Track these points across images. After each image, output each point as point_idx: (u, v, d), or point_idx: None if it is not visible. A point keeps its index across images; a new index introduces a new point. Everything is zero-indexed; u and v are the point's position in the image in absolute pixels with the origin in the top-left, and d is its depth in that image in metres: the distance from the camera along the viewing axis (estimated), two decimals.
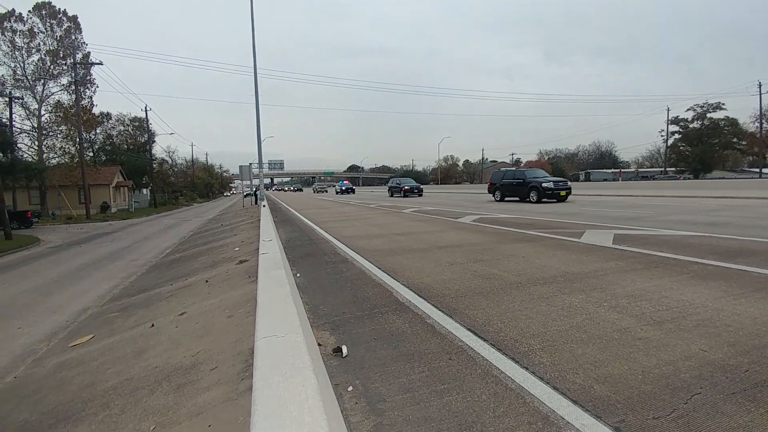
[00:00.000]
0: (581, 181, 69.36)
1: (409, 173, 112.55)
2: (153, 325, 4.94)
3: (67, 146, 34.29)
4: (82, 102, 34.45)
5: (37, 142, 33.75)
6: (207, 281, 6.36)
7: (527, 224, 9.87)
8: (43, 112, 34.25)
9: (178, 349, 3.88)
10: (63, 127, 33.39)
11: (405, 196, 32.05)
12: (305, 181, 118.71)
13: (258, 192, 27.67)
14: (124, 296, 7.74)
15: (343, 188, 48.56)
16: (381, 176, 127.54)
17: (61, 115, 32.76)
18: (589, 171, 79.71)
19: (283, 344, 1.44)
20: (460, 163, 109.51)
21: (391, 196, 34.31)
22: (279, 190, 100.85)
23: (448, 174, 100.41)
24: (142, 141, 54.27)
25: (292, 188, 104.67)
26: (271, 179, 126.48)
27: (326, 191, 61.85)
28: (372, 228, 10.63)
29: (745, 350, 2.64)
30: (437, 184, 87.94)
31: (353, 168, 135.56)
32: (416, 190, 32.88)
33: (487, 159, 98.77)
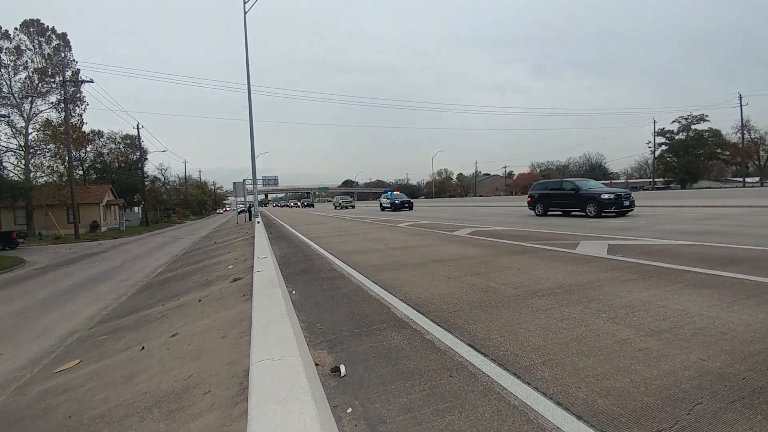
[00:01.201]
0: None
1: (403, 187, 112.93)
2: (143, 348, 4.81)
3: (55, 165, 33.99)
4: (72, 120, 34.27)
5: (23, 161, 33.41)
6: (200, 300, 6.26)
7: (522, 236, 9.90)
8: (30, 130, 34.02)
9: (170, 373, 3.78)
10: (51, 146, 33.11)
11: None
12: (300, 196, 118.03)
13: (252, 208, 27.54)
14: (113, 318, 7.55)
15: (396, 202, 32.86)
16: (376, 191, 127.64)
17: (50, 133, 32.53)
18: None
19: (280, 368, 1.40)
20: (454, 177, 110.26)
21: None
22: (282, 206, 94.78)
23: (443, 187, 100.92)
24: (134, 159, 54.05)
25: (297, 204, 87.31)
26: (266, 195, 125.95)
27: (351, 206, 48.29)
28: (368, 243, 10.59)
29: (741, 358, 2.64)
30: (431, 197, 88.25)
31: (348, 183, 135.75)
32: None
33: (480, 172, 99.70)
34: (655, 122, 62.12)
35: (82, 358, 5.24)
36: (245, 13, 20.20)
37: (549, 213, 17.61)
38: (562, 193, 16.87)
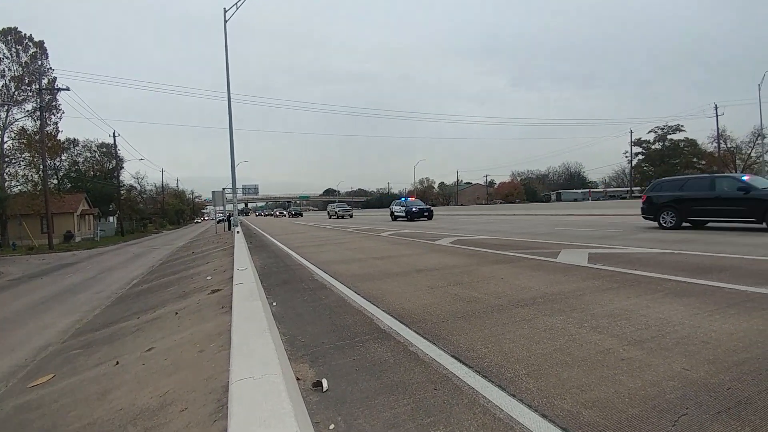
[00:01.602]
0: (553, 201, 71.34)
1: (385, 196, 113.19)
2: (118, 363, 4.64)
3: (30, 174, 32.94)
4: (47, 128, 33.33)
5: None
6: (176, 313, 6.07)
7: (504, 245, 9.96)
8: (6, 139, 32.96)
9: (145, 389, 3.63)
10: (26, 154, 32.11)
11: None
12: (281, 205, 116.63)
13: (232, 217, 27.09)
14: (87, 331, 7.30)
15: (413, 210, 27.55)
16: (357, 199, 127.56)
17: (25, 142, 31.57)
18: (559, 191, 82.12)
19: (261, 387, 1.32)
20: (436, 186, 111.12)
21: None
22: (266, 215, 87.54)
23: (424, 196, 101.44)
24: (110, 167, 52.82)
25: (283, 213, 76.62)
26: (246, 204, 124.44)
27: (349, 215, 42.18)
28: (349, 252, 10.49)
29: (725, 367, 2.66)
30: None
31: (329, 192, 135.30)
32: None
33: (461, 181, 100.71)
34: (631, 132, 63.99)
35: (55, 372, 5.06)
36: (225, 21, 20.07)
37: (683, 225, 12.44)
38: (714, 196, 11.59)
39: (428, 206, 29.44)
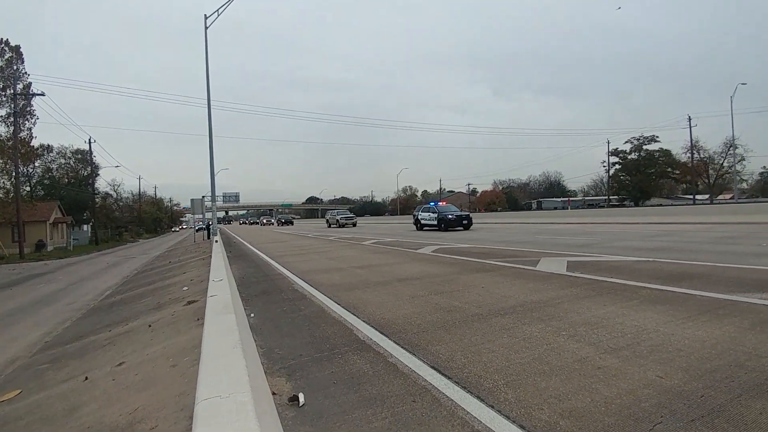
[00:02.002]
0: (534, 210, 72.52)
1: (368, 204, 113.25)
2: (87, 378, 4.48)
3: (1, 181, 31.80)
4: (21, 134, 32.31)
5: None
6: (150, 326, 5.89)
7: (485, 253, 10.03)
8: None
9: (115, 406, 3.50)
10: None
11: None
12: (263, 213, 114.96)
13: (211, 226, 26.61)
14: (56, 345, 7.04)
15: (449, 217, 22.11)
16: (339, 207, 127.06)
17: None
18: (540, 200, 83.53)
19: (227, 406, 1.27)
20: (419, 194, 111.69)
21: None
22: (251, 224, 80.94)
23: (408, 204, 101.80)
24: (85, 174, 51.47)
25: (271, 221, 67.11)
26: (226, 212, 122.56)
27: (352, 224, 36.95)
28: (331, 261, 10.41)
29: (698, 375, 2.70)
30: (396, 214, 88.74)
31: (312, 200, 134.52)
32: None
33: (444, 189, 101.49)
34: (609, 142, 65.70)
35: (22, 388, 4.85)
36: (206, 28, 19.89)
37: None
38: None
39: (467, 213, 23.39)
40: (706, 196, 58.74)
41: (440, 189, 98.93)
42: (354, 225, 36.73)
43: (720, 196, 58.89)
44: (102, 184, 59.40)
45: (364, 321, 4.49)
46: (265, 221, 68.29)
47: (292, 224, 48.40)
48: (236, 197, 48.52)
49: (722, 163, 59.21)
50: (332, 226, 37.95)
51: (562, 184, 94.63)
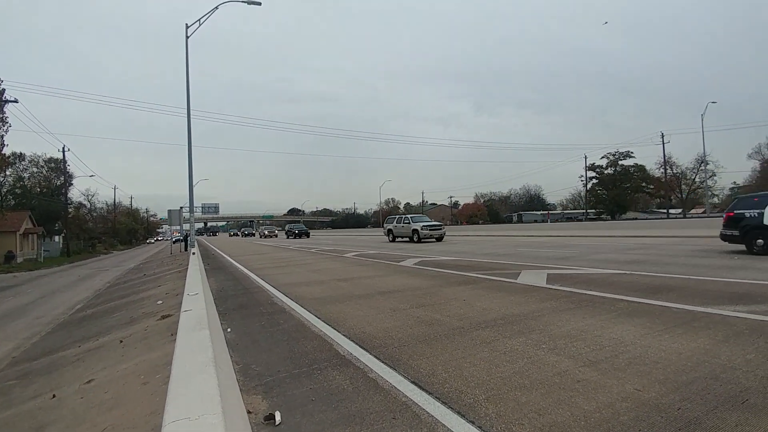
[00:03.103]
0: (514, 222, 73.53)
1: (350, 216, 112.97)
2: (54, 396, 4.31)
3: None
4: None
5: None
6: (121, 341, 5.67)
7: (467, 266, 10.07)
8: None
9: (82, 426, 3.34)
10: None
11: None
12: (243, 224, 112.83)
13: (189, 237, 26.02)
14: (24, 360, 6.78)
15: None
16: (322, 219, 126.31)
17: None
18: (521, 213, 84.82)
19: (197, 429, 1.21)
20: (402, 206, 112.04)
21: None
22: (246, 235, 72.06)
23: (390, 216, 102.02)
24: (58, 184, 50.00)
25: (273, 232, 58.23)
26: (205, 223, 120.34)
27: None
28: (312, 274, 10.28)
29: (675, 387, 2.73)
30: (378, 227, 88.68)
31: (294, 211, 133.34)
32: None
33: (427, 202, 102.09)
34: (586, 157, 67.35)
35: None
36: (187, 38, 19.74)
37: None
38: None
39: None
40: (680, 210, 60.64)
41: (423, 201, 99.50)
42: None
43: (692, 210, 60.90)
44: (75, 194, 57.94)
45: (344, 335, 4.42)
46: (266, 232, 58.96)
47: (308, 236, 42.26)
48: (215, 208, 47.91)
49: (694, 179, 61.41)
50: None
51: (542, 198, 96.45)
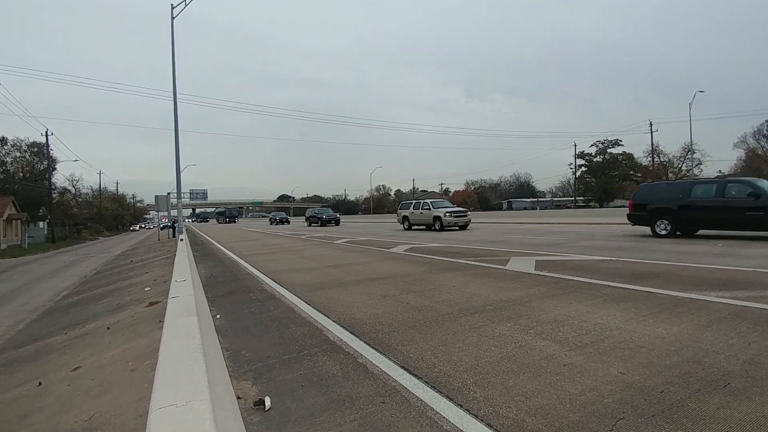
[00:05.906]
0: (504, 210, 74.05)
1: (341, 203, 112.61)
2: (40, 384, 4.27)
3: None
4: None
5: None
6: (108, 328, 5.63)
7: (457, 252, 10.13)
8: None
9: (70, 413, 3.32)
10: None
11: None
12: (231, 210, 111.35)
13: (177, 224, 25.75)
14: (9, 348, 6.72)
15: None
16: (312, 206, 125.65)
17: None
18: (510, 200, 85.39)
19: (183, 415, 1.20)
20: (392, 193, 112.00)
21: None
22: (225, 221, 72.98)
23: (381, 203, 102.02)
24: (41, 168, 48.92)
25: (276, 218, 49.57)
26: (193, 210, 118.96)
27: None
28: (302, 261, 10.26)
29: (658, 371, 2.79)
30: (369, 213, 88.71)
31: (283, 198, 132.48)
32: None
33: (417, 188, 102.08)
34: (575, 145, 67.91)
35: None
36: (173, 18, 19.22)
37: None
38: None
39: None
40: None
41: (414, 188, 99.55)
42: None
43: None
44: (60, 179, 56.76)
45: (334, 321, 4.43)
46: (274, 218, 51.91)
47: (338, 224, 34.91)
48: (204, 194, 47.16)
49: (681, 167, 62.22)
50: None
51: (531, 185, 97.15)
